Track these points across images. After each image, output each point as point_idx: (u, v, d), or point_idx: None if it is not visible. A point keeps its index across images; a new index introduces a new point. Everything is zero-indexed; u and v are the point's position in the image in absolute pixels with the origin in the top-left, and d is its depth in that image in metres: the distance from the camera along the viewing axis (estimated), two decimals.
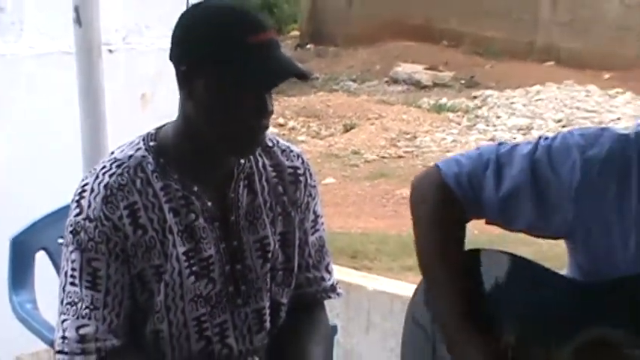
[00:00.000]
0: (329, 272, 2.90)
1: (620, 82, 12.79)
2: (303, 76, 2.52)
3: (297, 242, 2.75)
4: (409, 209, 2.79)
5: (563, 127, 10.73)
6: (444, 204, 2.70)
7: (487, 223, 2.77)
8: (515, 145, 2.72)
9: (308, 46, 17.26)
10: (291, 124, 12.52)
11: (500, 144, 2.75)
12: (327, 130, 12.27)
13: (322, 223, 2.87)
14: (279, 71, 2.45)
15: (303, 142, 11.60)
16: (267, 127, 2.54)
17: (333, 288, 2.88)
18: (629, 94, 12.71)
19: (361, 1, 16.90)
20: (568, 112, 12.13)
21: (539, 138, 2.70)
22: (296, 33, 18.26)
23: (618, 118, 11.70)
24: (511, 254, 2.76)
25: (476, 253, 2.77)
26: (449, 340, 2.73)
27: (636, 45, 13.84)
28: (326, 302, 2.94)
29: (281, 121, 12.38)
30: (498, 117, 12.23)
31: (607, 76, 13.23)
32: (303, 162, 2.76)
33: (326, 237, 2.91)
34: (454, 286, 2.72)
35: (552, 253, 3.19)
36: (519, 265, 2.77)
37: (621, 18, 14.39)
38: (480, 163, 2.70)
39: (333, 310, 4.43)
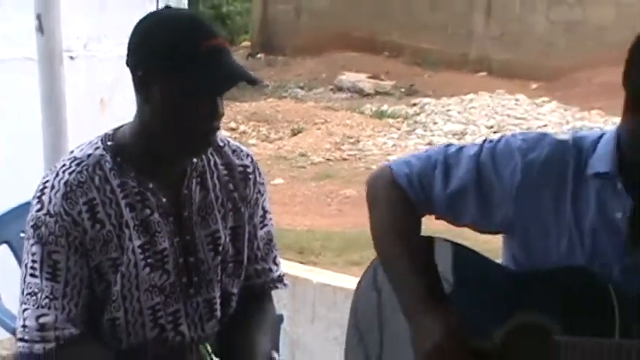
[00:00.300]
0: (276, 264, 2.91)
1: (546, 91, 12.93)
2: (252, 81, 2.52)
3: (246, 236, 2.75)
4: (366, 207, 2.80)
5: (495, 132, 10.79)
6: (397, 202, 2.73)
7: (437, 218, 2.78)
8: (462, 147, 2.74)
9: (259, 55, 17.24)
10: (242, 128, 12.47)
11: (447, 146, 2.77)
12: (277, 134, 12.24)
13: (270, 219, 2.87)
14: (229, 76, 2.45)
15: (253, 145, 11.53)
16: (218, 129, 2.53)
17: (280, 279, 2.90)
18: (554, 103, 12.78)
19: (309, 13, 16.92)
20: (499, 119, 12.18)
21: (485, 140, 2.73)
22: (247, 43, 18.25)
23: (545, 125, 11.74)
24: (457, 244, 2.80)
25: (430, 240, 2.79)
26: (410, 312, 2.72)
27: (561, 58, 13.98)
28: (274, 293, 2.95)
29: (233, 125, 12.32)
30: (435, 123, 12.25)
31: (534, 86, 13.36)
32: (252, 161, 2.76)
33: (274, 231, 2.92)
34: (414, 263, 2.72)
35: (488, 247, 3.23)
36: (463, 253, 2.80)
37: (547, 33, 14.52)
38: (429, 163, 2.72)
39: (281, 301, 4.41)
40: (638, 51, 2.57)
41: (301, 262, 6.23)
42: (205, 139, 2.50)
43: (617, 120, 2.66)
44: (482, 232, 2.79)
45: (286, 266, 5.68)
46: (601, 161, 2.61)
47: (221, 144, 2.67)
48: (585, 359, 2.53)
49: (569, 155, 2.64)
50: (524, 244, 2.72)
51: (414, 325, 2.69)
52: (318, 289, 5.08)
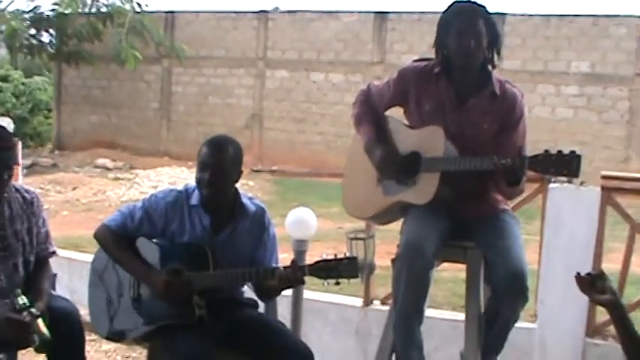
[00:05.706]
0: (52, 244, 2.65)
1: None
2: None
3: (35, 233, 2.56)
4: (100, 245, 2.59)
5: (173, 184, 10.17)
6: (114, 235, 2.54)
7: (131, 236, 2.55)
8: (135, 203, 2.59)
9: (56, 152, 15.76)
10: (47, 187, 11.57)
11: (127, 205, 2.59)
12: (65, 189, 11.52)
13: (45, 225, 2.60)
14: None
15: (53, 195, 10.81)
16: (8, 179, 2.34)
17: (54, 252, 2.66)
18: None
19: (80, 130, 15.79)
20: (173, 180, 11.96)
21: (145, 198, 2.58)
22: (50, 145, 16.50)
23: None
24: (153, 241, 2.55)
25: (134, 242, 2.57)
26: (141, 277, 2.49)
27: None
28: (52, 260, 2.67)
29: (42, 186, 11.36)
30: (143, 182, 12.03)
31: (190, 163, 12.31)
32: (36, 196, 2.59)
33: (49, 231, 2.64)
34: (129, 255, 2.52)
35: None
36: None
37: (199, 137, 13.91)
38: (123, 216, 2.56)
39: (63, 267, 4.13)
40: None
41: (74, 250, 5.76)
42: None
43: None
44: (153, 238, 2.55)
45: (67, 252, 5.73)
46: (194, 198, 2.49)
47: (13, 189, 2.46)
48: (213, 282, 2.40)
49: (182, 197, 2.50)
50: (165, 237, 2.54)
51: (147, 283, 2.46)
52: (83, 264, 4.68)
